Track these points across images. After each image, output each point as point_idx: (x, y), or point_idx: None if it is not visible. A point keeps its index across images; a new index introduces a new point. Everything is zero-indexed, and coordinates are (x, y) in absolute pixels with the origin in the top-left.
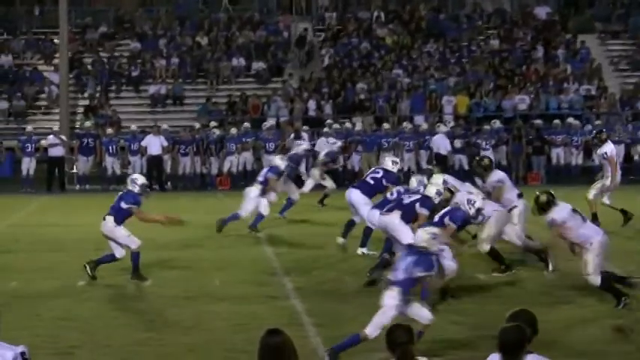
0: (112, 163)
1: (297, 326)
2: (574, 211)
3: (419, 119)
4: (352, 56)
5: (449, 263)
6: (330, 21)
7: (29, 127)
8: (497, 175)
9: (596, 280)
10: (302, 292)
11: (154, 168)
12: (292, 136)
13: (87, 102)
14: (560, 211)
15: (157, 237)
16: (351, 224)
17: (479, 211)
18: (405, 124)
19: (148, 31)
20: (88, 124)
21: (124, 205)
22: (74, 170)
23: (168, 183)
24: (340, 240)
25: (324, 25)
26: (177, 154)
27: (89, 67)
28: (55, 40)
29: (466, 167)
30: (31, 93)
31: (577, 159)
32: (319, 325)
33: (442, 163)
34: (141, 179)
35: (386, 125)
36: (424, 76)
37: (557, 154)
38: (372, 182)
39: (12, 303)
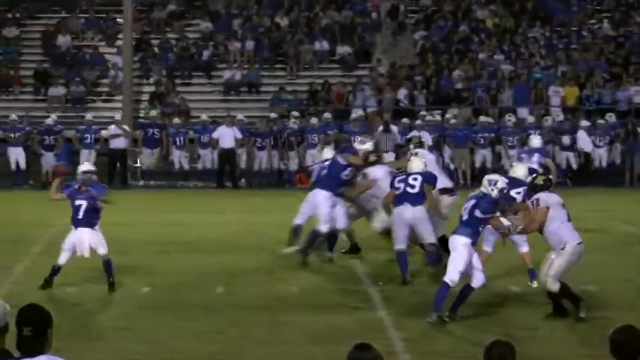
0: (179, 157)
1: (383, 340)
2: (563, 206)
3: (522, 112)
4: (448, 40)
5: (478, 274)
6: (425, 1)
7: (89, 116)
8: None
9: (554, 285)
10: (390, 302)
11: (226, 163)
12: (381, 128)
13: (152, 88)
14: (550, 197)
15: (231, 238)
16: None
17: (502, 191)
18: (506, 117)
19: (222, 10)
20: (153, 113)
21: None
22: (138, 164)
23: (242, 179)
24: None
25: (417, 6)
26: (252, 148)
27: (155, 49)
28: (119, 20)
29: (574, 166)
30: (91, 78)
31: None
32: (408, 340)
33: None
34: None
35: (483, 118)
36: (529, 63)
37: None
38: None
39: (67, 310)
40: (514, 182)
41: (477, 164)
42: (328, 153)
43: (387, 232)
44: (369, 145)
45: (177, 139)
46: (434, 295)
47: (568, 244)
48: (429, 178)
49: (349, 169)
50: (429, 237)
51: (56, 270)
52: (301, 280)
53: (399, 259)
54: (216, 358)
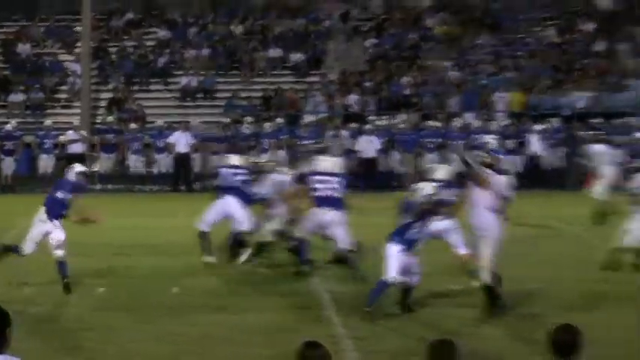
0: (135, 162)
1: (332, 338)
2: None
3: (469, 117)
4: (398, 48)
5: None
6: (375, 9)
7: (48, 122)
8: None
9: (487, 276)
10: (338, 301)
11: (181, 167)
12: (331, 133)
13: (110, 95)
14: (494, 176)
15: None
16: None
17: (431, 196)
18: (454, 121)
19: (178, 19)
20: (110, 118)
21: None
22: (95, 169)
23: (197, 183)
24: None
25: (368, 14)
26: (206, 152)
27: (113, 57)
28: (78, 28)
29: (519, 169)
30: (51, 85)
31: None
32: (357, 339)
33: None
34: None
35: (431, 123)
36: (475, 70)
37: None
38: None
39: (24, 311)
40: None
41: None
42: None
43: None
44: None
45: (134, 144)
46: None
47: (491, 231)
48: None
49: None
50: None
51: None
52: (253, 281)
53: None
54: (180, 358)
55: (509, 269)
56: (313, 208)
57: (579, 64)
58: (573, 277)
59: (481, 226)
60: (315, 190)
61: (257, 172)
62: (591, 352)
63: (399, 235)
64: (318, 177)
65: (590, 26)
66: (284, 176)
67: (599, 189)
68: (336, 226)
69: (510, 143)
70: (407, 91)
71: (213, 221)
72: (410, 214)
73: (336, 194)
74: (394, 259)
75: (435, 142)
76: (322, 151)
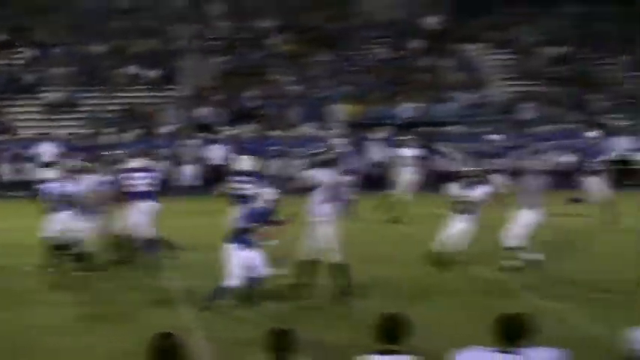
0: (5, 170)
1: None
2: (330, 187)
3: (308, 126)
4: (245, 65)
5: (261, 269)
6: (224, 30)
7: None
8: None
9: (337, 256)
10: (190, 295)
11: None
12: (186, 142)
13: None
14: (323, 173)
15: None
16: None
17: (269, 201)
18: (294, 131)
19: (45, 39)
20: None
21: None
22: None
23: None
24: None
25: (217, 34)
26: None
27: None
28: None
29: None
30: None
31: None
32: (209, 329)
33: None
34: None
35: (275, 132)
36: (316, 84)
37: (444, 161)
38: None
39: None
40: (242, 174)
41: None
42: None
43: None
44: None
45: (4, 154)
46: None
47: (324, 217)
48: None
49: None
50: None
51: None
52: (104, 277)
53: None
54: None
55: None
56: (129, 204)
57: (408, 78)
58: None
59: (320, 215)
60: (130, 186)
61: (77, 173)
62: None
63: (237, 235)
64: (132, 174)
65: (418, 44)
66: (102, 178)
67: (400, 190)
68: (146, 216)
69: (351, 150)
70: (253, 104)
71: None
72: (249, 217)
73: (149, 188)
74: (234, 260)
75: (278, 150)
76: (135, 155)
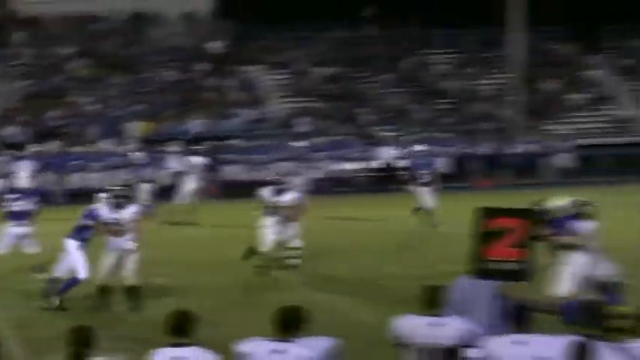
0: None
1: None
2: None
3: (106, 143)
4: (47, 88)
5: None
6: (27, 56)
7: None
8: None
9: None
10: None
11: None
12: None
13: None
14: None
15: None
16: None
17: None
18: (94, 146)
19: None
20: None
21: None
22: None
23: None
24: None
25: (22, 60)
26: None
27: None
28: None
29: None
30: None
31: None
32: (17, 328)
33: None
34: None
35: (76, 148)
36: (112, 104)
37: (230, 170)
38: None
39: None
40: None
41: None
42: None
43: None
44: None
45: None
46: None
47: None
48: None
49: None
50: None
51: None
52: None
53: None
54: None
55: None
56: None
57: (195, 97)
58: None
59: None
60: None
61: None
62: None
63: (76, 233)
64: (11, 195)
65: (203, 66)
66: None
67: (187, 197)
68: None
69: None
70: (56, 123)
71: None
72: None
73: (24, 208)
74: (75, 257)
75: (80, 164)
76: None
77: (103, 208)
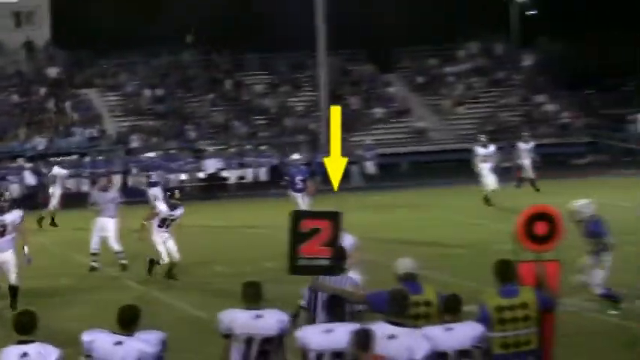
0: None
1: None
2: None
3: None
4: None
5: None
6: None
7: None
8: None
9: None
10: None
11: None
12: None
13: None
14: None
15: None
16: None
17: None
18: None
19: None
20: None
21: None
22: None
23: None
24: None
25: None
26: None
27: None
28: None
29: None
30: None
31: (86, 187)
32: None
33: None
34: None
35: None
36: None
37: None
38: None
39: None
40: None
41: None
42: None
43: None
44: None
45: None
46: None
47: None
48: None
49: None
50: None
51: None
52: None
53: None
54: None
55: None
56: None
57: (36, 118)
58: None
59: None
60: None
61: None
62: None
63: None
64: None
65: (43, 90)
66: None
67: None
68: None
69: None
70: None
71: None
72: None
73: None
74: None
75: None
76: None
77: None
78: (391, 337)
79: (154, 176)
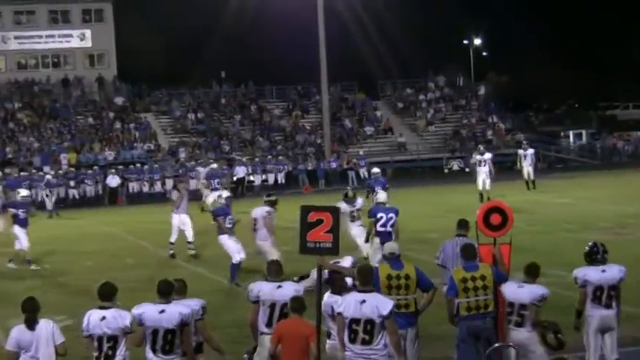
0: None
1: None
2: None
3: (46, 168)
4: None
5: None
6: None
7: None
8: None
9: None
10: None
11: None
12: None
13: None
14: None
15: None
16: None
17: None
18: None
19: None
20: None
21: None
22: None
23: None
24: None
25: None
26: None
27: None
28: None
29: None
30: None
31: (146, 189)
32: None
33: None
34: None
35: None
36: (48, 142)
37: (133, 186)
38: None
39: None
40: None
41: None
42: None
43: None
44: None
45: None
46: None
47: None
48: None
49: None
50: None
51: None
52: None
53: None
54: None
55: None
56: None
57: (107, 135)
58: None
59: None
60: None
61: None
62: None
63: None
64: None
65: (111, 114)
66: None
67: None
68: None
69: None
70: (9, 156)
71: None
72: None
73: None
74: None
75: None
76: None
77: None
78: (363, 301)
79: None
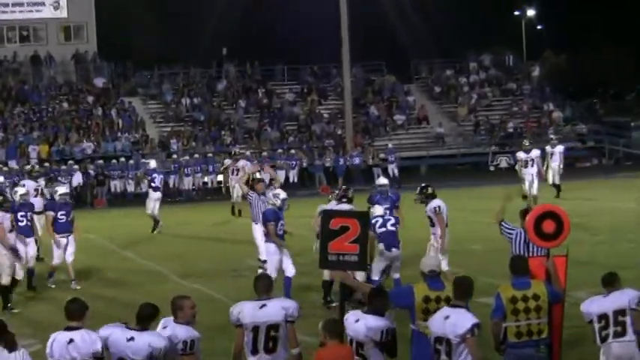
0: None
1: None
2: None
3: (12, 163)
4: None
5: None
6: None
7: None
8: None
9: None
10: None
11: None
12: None
13: None
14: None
15: None
16: None
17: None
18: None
19: None
20: None
21: None
22: None
23: None
24: None
25: None
26: None
27: None
28: None
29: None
30: None
31: (131, 187)
32: None
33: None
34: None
35: None
36: (15, 131)
37: (115, 184)
38: None
39: None
40: None
41: None
42: None
43: None
44: None
45: None
46: None
47: None
48: None
49: None
50: None
51: None
52: None
53: None
54: None
55: None
56: None
57: (86, 123)
58: None
59: None
60: None
61: None
62: None
63: None
64: None
65: (90, 98)
66: None
67: None
68: None
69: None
70: None
71: None
72: None
73: None
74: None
75: None
76: None
77: None
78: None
79: None
